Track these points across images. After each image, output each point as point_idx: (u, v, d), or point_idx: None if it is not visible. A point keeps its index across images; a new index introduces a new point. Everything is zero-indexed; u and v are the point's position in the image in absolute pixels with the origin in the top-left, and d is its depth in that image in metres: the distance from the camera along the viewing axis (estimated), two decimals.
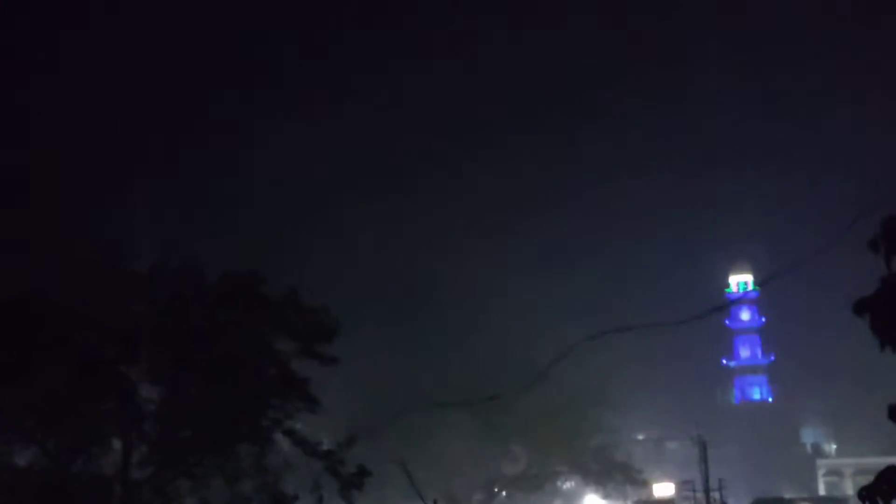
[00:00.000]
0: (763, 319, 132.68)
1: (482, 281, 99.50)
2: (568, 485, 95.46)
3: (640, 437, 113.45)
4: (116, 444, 37.08)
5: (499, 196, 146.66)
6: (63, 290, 35.40)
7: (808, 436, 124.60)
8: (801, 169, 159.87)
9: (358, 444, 40.47)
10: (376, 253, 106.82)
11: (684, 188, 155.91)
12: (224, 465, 37.05)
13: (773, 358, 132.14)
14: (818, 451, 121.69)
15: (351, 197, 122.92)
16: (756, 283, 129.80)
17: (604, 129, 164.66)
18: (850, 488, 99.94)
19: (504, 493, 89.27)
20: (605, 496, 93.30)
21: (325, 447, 39.41)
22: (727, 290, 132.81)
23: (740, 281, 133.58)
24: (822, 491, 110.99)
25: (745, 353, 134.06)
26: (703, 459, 70.73)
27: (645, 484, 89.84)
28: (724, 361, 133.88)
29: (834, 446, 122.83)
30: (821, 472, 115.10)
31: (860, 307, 16.73)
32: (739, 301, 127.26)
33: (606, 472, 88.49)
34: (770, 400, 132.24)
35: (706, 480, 71.00)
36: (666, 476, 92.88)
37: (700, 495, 73.24)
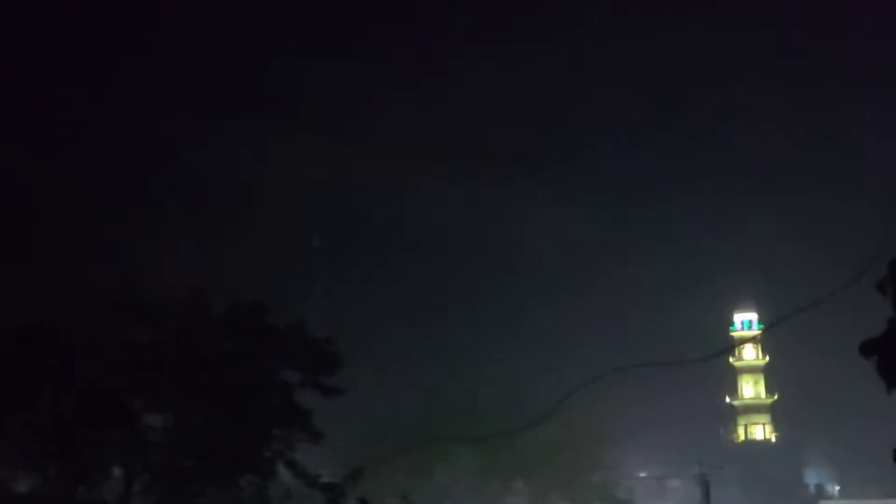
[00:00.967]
0: (767, 358, 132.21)
1: (481, 320, 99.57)
2: None
3: (642, 474, 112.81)
4: (118, 472, 37.01)
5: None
6: (70, 318, 35.45)
7: (812, 476, 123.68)
8: (806, 202, 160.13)
9: (362, 477, 40.34)
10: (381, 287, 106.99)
11: (687, 217, 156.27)
12: (226, 495, 36.93)
13: (776, 397, 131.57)
14: (821, 493, 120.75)
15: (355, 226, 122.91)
16: (761, 322, 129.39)
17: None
18: None
19: None
20: None
21: (326, 479, 39.30)
22: (731, 328, 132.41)
23: (745, 319, 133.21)
24: None
25: (748, 391, 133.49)
26: (706, 497, 70.26)
27: None
28: (728, 399, 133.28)
29: (837, 488, 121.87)
30: None
31: (867, 348, 16.78)
32: (744, 342, 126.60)
33: None
34: (773, 439, 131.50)
35: None
36: None
37: None
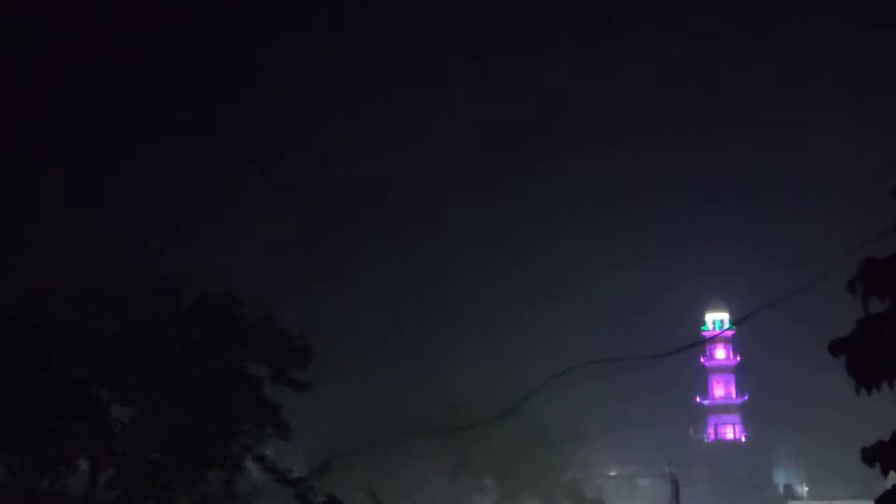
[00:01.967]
0: (738, 358, 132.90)
1: (456, 318, 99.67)
2: None
3: (612, 473, 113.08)
4: (84, 465, 36.64)
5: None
6: (37, 310, 35.02)
7: (781, 476, 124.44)
8: (776, 205, 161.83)
9: (329, 472, 40.07)
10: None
11: (659, 222, 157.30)
12: (193, 489, 36.62)
13: (746, 397, 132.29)
14: (790, 493, 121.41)
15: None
16: (732, 321, 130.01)
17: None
18: None
19: None
20: None
21: (295, 474, 39.02)
22: (703, 327, 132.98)
23: (716, 319, 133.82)
24: None
25: (719, 391, 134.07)
26: (675, 497, 70.48)
27: None
28: (698, 399, 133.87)
29: (806, 488, 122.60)
30: None
31: (836, 347, 16.73)
32: (714, 339, 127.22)
33: None
34: (743, 439, 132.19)
35: None
36: None
37: None
